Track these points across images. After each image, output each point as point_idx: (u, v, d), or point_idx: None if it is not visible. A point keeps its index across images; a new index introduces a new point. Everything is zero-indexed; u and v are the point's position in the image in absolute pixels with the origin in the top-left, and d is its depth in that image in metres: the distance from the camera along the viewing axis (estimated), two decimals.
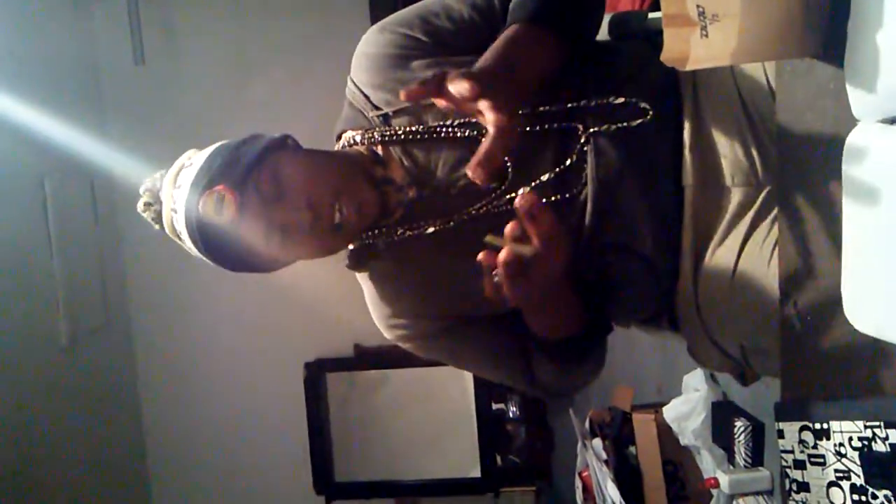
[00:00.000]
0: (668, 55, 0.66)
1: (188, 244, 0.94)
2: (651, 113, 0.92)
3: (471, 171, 0.76)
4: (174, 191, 0.94)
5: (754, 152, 0.91)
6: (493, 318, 1.03)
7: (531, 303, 0.86)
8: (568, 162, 0.93)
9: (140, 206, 0.99)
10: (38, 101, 2.60)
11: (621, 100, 0.93)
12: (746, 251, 0.91)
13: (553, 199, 0.94)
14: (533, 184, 0.93)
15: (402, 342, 1.07)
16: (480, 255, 0.78)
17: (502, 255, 0.76)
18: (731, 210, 0.92)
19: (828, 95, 0.67)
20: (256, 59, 3.16)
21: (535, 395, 1.13)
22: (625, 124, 0.92)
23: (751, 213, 0.92)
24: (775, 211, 0.89)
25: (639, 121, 0.93)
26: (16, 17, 2.67)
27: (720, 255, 0.93)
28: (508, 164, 0.94)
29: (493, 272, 0.78)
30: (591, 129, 0.93)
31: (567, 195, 0.94)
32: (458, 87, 0.74)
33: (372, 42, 1.01)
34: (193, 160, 0.95)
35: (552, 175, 0.94)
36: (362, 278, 1.07)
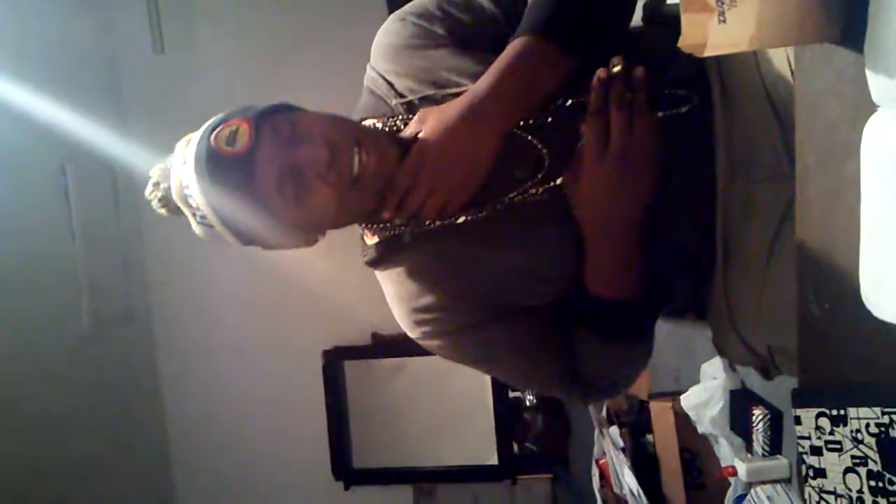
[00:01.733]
0: (685, 41, 0.66)
1: (196, 198, 0.87)
2: (695, 98, 0.90)
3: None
4: (185, 150, 0.89)
5: (781, 146, 0.88)
6: (530, 311, 0.99)
7: (614, 203, 0.86)
8: None
9: (148, 188, 0.94)
10: (58, 91, 2.62)
11: (664, 90, 0.90)
12: (777, 249, 0.88)
13: None
14: (599, 71, 0.90)
15: (428, 339, 1.01)
16: (600, 72, 0.82)
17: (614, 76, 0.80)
18: (760, 204, 0.89)
19: (847, 81, 0.67)
20: (275, 47, 3.17)
21: (572, 399, 1.07)
22: (673, 111, 0.90)
23: (780, 208, 0.88)
24: None
25: (686, 106, 0.90)
26: (36, 6, 2.70)
27: (751, 250, 0.91)
28: (545, 151, 0.92)
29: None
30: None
31: None
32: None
33: (393, 32, 1.00)
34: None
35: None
36: (383, 276, 1.02)
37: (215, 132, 0.85)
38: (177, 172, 0.89)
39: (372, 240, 1.00)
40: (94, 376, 2.85)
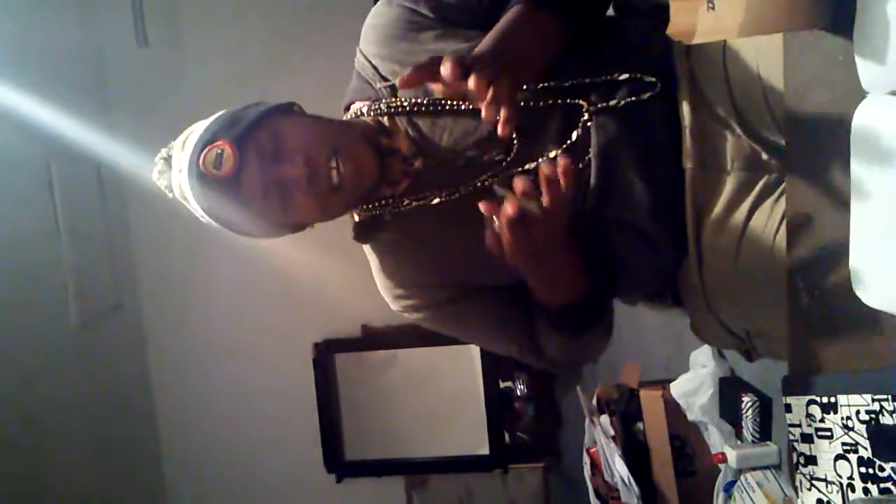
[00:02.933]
0: (674, 28, 0.65)
1: (193, 204, 0.95)
2: (659, 84, 0.92)
3: (500, 130, 0.78)
4: (181, 153, 0.95)
5: (754, 137, 0.90)
6: (500, 289, 1.04)
7: (530, 261, 0.87)
8: (574, 136, 0.94)
9: (155, 174, 1.01)
10: (42, 85, 2.60)
11: (626, 76, 0.93)
12: (748, 236, 0.91)
13: None
14: (540, 159, 0.93)
15: (408, 312, 1.08)
16: (483, 205, 0.79)
17: (508, 208, 0.78)
18: (728, 193, 0.92)
19: (837, 68, 0.66)
20: (260, 39, 3.14)
21: (544, 368, 1.14)
22: (633, 98, 0.92)
23: (750, 198, 0.91)
24: (775, 195, 0.89)
25: (648, 94, 0.92)
26: (18, 2, 2.66)
27: (721, 238, 0.93)
28: (514, 137, 0.95)
29: (494, 224, 0.80)
30: (599, 105, 0.93)
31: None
32: (445, 69, 0.75)
33: (380, 14, 1.02)
34: (202, 123, 0.97)
35: (560, 150, 0.94)
36: (369, 250, 1.08)
37: (203, 155, 0.91)
38: (176, 176, 0.96)
39: (357, 217, 1.06)
40: (83, 370, 2.83)
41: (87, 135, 2.79)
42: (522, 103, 0.93)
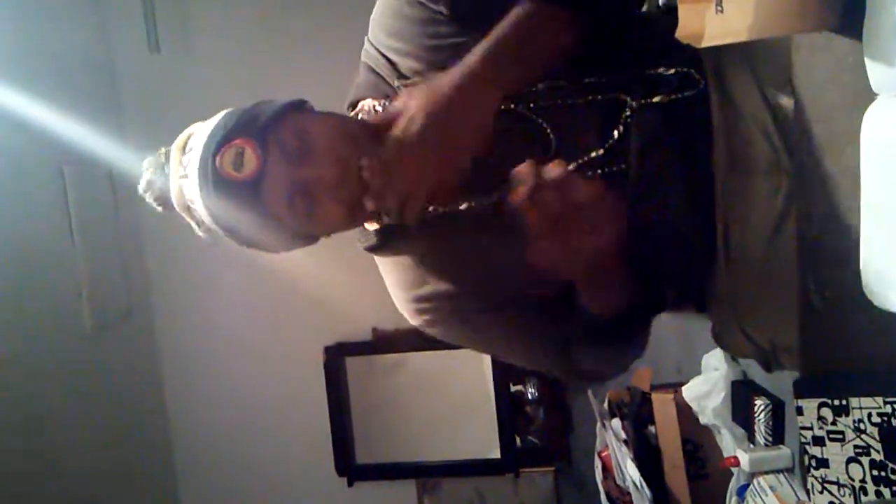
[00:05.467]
0: (683, 31, 0.65)
1: (200, 213, 0.86)
2: (704, 82, 0.88)
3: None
4: (184, 156, 0.87)
5: (777, 140, 0.86)
6: (530, 300, 0.98)
7: (578, 270, 0.82)
8: (616, 134, 0.88)
9: (142, 185, 0.92)
10: (54, 92, 2.62)
11: (672, 70, 0.88)
12: (778, 243, 0.86)
13: (600, 172, 0.89)
14: (580, 160, 0.89)
15: (429, 327, 1.00)
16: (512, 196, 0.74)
17: (553, 170, 0.74)
18: (759, 197, 0.87)
19: (846, 69, 0.66)
20: (272, 42, 3.16)
21: (568, 380, 1.08)
22: (681, 95, 0.88)
23: (780, 202, 0.85)
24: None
25: (692, 91, 0.88)
26: (30, 9, 2.69)
27: (752, 244, 0.89)
28: (552, 135, 0.90)
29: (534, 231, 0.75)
30: (642, 101, 0.88)
31: (614, 169, 0.89)
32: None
33: (395, 8, 0.95)
34: (204, 124, 0.89)
35: (600, 152, 0.89)
36: (384, 262, 1.01)
37: (220, 154, 0.82)
38: (176, 182, 0.87)
39: (372, 225, 0.97)
40: (96, 376, 2.85)
41: (99, 140, 2.80)
42: (560, 101, 0.89)
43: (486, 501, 3.31)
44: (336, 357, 3.30)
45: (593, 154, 0.88)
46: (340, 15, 3.03)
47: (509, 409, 3.23)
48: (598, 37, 0.90)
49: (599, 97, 0.90)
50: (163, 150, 0.92)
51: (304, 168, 0.83)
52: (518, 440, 3.27)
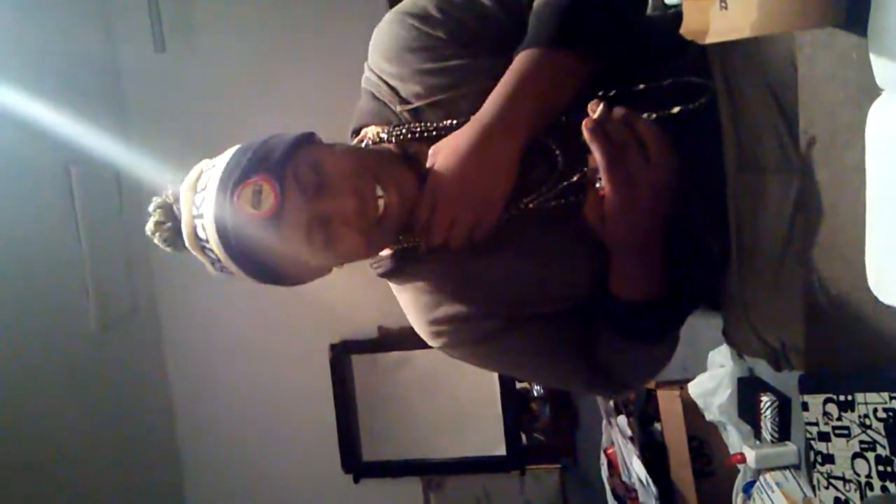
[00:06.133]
0: (687, 28, 0.65)
1: (217, 252, 0.87)
2: (712, 88, 0.88)
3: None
4: (196, 195, 0.87)
5: (786, 138, 0.85)
6: (554, 315, 0.97)
7: (628, 233, 0.84)
8: None
9: (150, 227, 0.92)
10: (60, 92, 2.63)
11: (675, 81, 0.88)
12: (792, 243, 0.85)
13: None
14: (584, 171, 0.88)
15: (449, 349, 0.99)
16: (586, 126, 0.79)
17: (617, 112, 0.78)
18: (770, 196, 0.87)
19: (851, 65, 0.66)
20: (277, 43, 3.16)
21: (595, 393, 1.06)
22: (689, 106, 0.87)
23: (792, 201, 0.85)
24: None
25: (703, 98, 0.87)
26: (35, 10, 2.70)
27: (765, 244, 0.88)
28: (558, 153, 0.90)
29: (597, 186, 0.78)
30: (654, 115, 0.87)
31: None
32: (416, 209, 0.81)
33: (392, 33, 0.95)
34: (215, 162, 0.89)
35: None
36: (399, 288, 1.01)
37: (237, 193, 0.82)
38: (189, 222, 0.88)
39: (385, 251, 0.98)
40: (102, 374, 2.86)
41: (105, 140, 2.82)
42: (565, 118, 0.89)
43: (492, 499, 3.31)
44: (342, 355, 3.31)
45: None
46: (344, 14, 3.04)
47: (515, 407, 3.23)
48: (608, 67, 0.90)
49: None
50: (170, 190, 0.92)
51: (322, 201, 0.84)
52: (524, 437, 3.27)
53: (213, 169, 0.87)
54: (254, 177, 0.82)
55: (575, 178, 0.89)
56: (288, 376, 3.29)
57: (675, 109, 0.87)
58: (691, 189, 0.90)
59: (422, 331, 1.00)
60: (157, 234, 0.92)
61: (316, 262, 0.89)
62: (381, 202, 0.85)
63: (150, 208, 0.92)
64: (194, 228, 0.87)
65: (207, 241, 0.87)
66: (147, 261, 3.30)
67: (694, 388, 2.05)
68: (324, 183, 0.84)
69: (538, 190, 0.90)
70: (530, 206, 0.90)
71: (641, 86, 0.88)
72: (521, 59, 0.86)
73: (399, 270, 0.97)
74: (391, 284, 1.02)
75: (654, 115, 0.87)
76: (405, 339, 3.18)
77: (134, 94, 3.25)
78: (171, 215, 0.90)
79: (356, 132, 0.99)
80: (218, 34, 3.20)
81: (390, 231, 0.90)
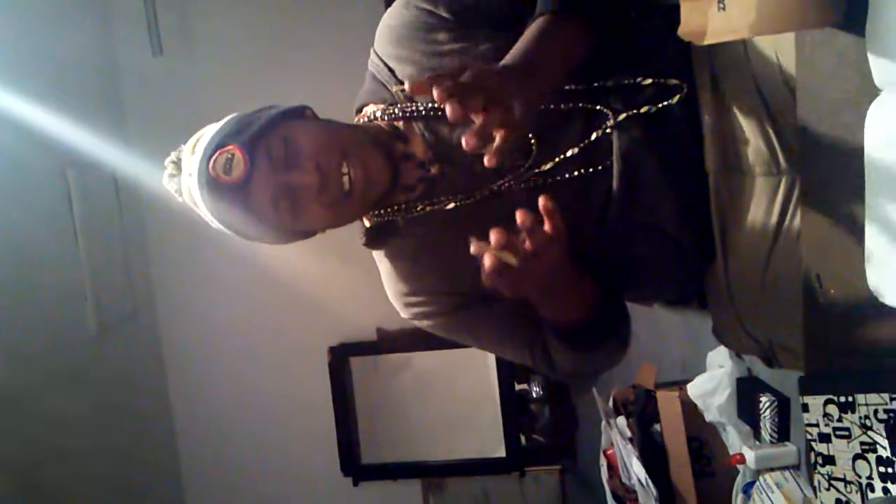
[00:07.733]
0: (685, 29, 0.65)
1: (202, 209, 0.94)
2: (686, 88, 0.90)
3: (486, 160, 0.76)
4: (191, 157, 0.94)
5: (774, 140, 0.87)
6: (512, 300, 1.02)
7: (532, 292, 0.87)
8: (593, 137, 0.92)
9: (165, 178, 0.99)
10: (57, 95, 2.62)
11: (649, 80, 0.91)
12: (780, 244, 0.88)
13: (578, 173, 0.93)
14: (557, 159, 0.93)
15: (419, 320, 1.06)
16: (473, 248, 0.79)
17: (486, 262, 0.78)
18: (753, 197, 0.89)
19: (849, 65, 0.66)
20: (274, 43, 3.16)
21: (558, 379, 1.13)
22: (660, 105, 0.90)
23: (778, 203, 0.87)
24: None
25: (676, 98, 0.91)
26: (34, 8, 2.69)
27: (749, 243, 0.90)
28: (533, 140, 0.93)
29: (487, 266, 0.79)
30: (625, 114, 0.91)
31: (591, 170, 0.93)
32: (436, 93, 0.70)
33: (396, 15, 1.01)
34: (211, 127, 0.96)
35: (577, 151, 0.93)
36: (379, 256, 1.07)
37: (213, 159, 0.89)
38: (186, 180, 0.95)
39: (368, 223, 1.04)
40: (101, 378, 2.85)
41: (103, 144, 2.81)
42: (542, 106, 0.92)
43: (492, 500, 3.31)
44: (341, 357, 3.31)
45: (569, 153, 0.92)
46: (341, 17, 3.05)
47: (514, 408, 3.23)
48: (602, 44, 0.92)
49: (580, 105, 0.93)
50: (181, 147, 0.99)
51: (288, 174, 0.90)
52: (523, 439, 3.27)
53: (208, 133, 0.95)
54: (230, 144, 0.89)
55: (547, 167, 0.93)
56: (287, 379, 3.29)
57: (644, 109, 0.91)
58: (668, 188, 0.93)
59: (394, 299, 1.07)
60: (170, 184, 0.99)
61: (286, 227, 0.96)
62: (345, 179, 0.90)
63: (165, 162, 0.99)
64: (189, 186, 0.95)
65: (196, 201, 0.95)
66: (145, 264, 3.30)
67: (693, 389, 2.05)
68: (291, 157, 0.90)
69: (511, 174, 0.95)
70: (503, 187, 0.95)
71: (626, 81, 0.92)
72: (536, 23, 0.89)
73: (378, 240, 1.04)
74: (374, 254, 1.08)
75: (622, 116, 0.91)
76: (404, 342, 3.17)
77: (131, 96, 3.25)
78: (179, 170, 0.98)
79: (359, 111, 1.05)
80: (215, 37, 3.20)
81: (359, 205, 0.95)
